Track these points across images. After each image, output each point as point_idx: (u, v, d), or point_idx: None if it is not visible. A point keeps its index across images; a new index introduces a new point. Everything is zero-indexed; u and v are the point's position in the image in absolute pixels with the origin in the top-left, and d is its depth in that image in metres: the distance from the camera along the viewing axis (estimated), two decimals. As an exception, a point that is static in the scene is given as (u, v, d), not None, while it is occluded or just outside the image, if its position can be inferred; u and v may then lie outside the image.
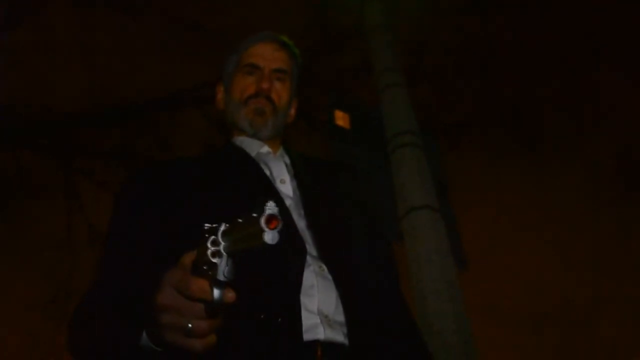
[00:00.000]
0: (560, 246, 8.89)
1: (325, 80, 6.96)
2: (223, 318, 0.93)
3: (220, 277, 0.85)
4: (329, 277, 1.24)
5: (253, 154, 1.56)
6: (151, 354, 1.01)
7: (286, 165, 1.54)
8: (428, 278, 2.79)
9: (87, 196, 7.13)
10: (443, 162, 3.99)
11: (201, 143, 6.90)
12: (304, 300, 1.17)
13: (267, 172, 1.48)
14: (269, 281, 1.18)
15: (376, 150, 3.60)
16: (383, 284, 1.37)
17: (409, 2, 5.11)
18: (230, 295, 0.86)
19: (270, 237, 0.78)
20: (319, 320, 1.15)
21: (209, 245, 0.84)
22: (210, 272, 0.86)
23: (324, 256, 1.28)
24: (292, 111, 1.77)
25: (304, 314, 1.15)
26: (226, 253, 0.84)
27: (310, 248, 1.28)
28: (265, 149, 1.58)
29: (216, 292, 0.86)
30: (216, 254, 0.84)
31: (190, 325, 0.90)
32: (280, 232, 0.79)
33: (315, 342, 1.13)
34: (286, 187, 1.45)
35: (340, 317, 1.19)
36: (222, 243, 0.84)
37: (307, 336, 1.13)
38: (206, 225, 0.86)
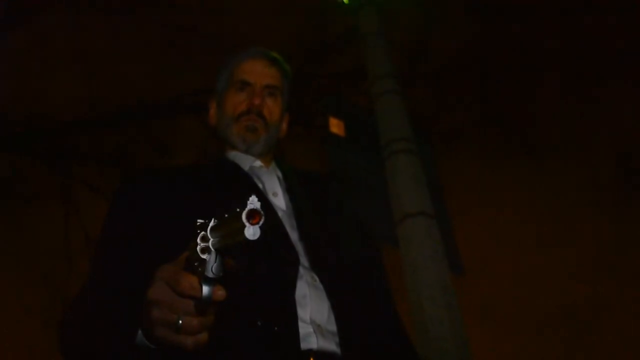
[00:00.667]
0: (559, 249, 8.90)
1: (320, 87, 6.98)
2: (215, 316, 0.92)
3: (209, 274, 0.83)
4: (321, 287, 1.26)
5: (246, 168, 1.58)
6: (147, 353, 1.01)
7: (278, 178, 1.57)
8: (423, 284, 2.79)
9: (83, 202, 7.11)
10: (439, 167, 4.01)
11: (198, 149, 6.90)
12: (297, 309, 1.20)
13: (260, 186, 1.50)
14: (264, 289, 1.20)
15: (371, 156, 3.61)
16: (374, 294, 1.41)
17: (404, 8, 5.13)
18: (220, 293, 0.86)
19: (251, 232, 0.76)
20: (312, 330, 1.18)
21: (198, 241, 0.83)
22: (200, 269, 0.84)
23: (316, 267, 1.30)
24: (284, 126, 1.78)
25: (298, 323, 1.17)
26: (214, 249, 0.82)
27: (303, 259, 1.31)
28: (258, 163, 1.60)
29: (205, 289, 0.85)
30: (205, 250, 0.82)
31: (180, 321, 0.89)
32: (262, 228, 0.77)
33: (309, 352, 1.15)
34: (279, 199, 1.48)
35: (333, 327, 1.21)
36: (211, 239, 0.82)
37: (301, 345, 1.15)
38: (198, 220, 0.85)
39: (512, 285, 8.63)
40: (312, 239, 1.37)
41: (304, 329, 1.17)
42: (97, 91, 7.18)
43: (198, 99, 7.16)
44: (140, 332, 1.00)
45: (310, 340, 1.16)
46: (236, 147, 1.63)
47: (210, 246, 0.82)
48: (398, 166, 3.31)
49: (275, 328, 1.14)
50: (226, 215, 0.81)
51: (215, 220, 0.83)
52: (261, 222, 0.77)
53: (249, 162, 1.60)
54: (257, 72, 1.68)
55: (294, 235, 1.36)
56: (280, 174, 1.60)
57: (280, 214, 1.41)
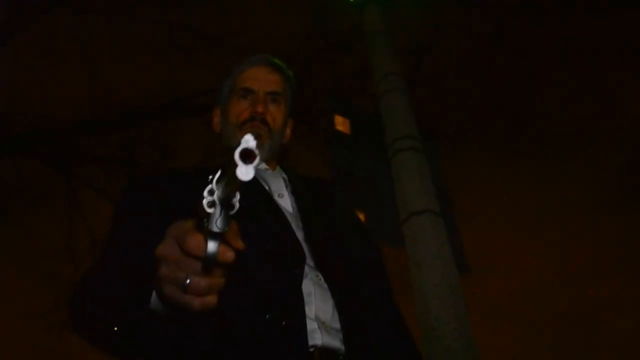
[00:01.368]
0: (563, 249, 8.89)
1: (324, 86, 6.97)
2: (225, 278, 0.90)
3: (213, 228, 0.80)
4: (326, 286, 1.29)
5: None
6: (161, 319, 1.00)
7: (284, 180, 1.60)
8: (430, 283, 2.77)
9: (87, 204, 7.12)
10: (444, 165, 3.98)
11: (202, 150, 6.88)
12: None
13: (266, 187, 1.52)
14: (273, 285, 1.24)
15: (377, 155, 3.59)
16: (376, 293, 1.43)
17: (408, 7, 5.11)
18: (229, 254, 0.84)
19: (243, 170, 0.70)
20: (316, 326, 1.20)
21: (205, 194, 0.79)
22: (206, 225, 0.81)
23: (321, 266, 1.33)
24: (288, 132, 1.80)
25: (305, 319, 1.20)
26: (219, 201, 0.79)
27: (308, 258, 1.33)
28: (263, 165, 1.62)
29: (210, 245, 0.82)
30: (212, 204, 0.79)
31: (188, 280, 0.88)
32: (256, 169, 0.72)
33: (314, 347, 1.17)
34: (284, 201, 1.50)
35: (337, 324, 1.24)
36: (216, 191, 0.79)
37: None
38: (210, 176, 0.81)
39: (520, 284, 8.63)
40: (317, 239, 1.39)
41: (309, 325, 1.20)
42: (100, 92, 7.19)
43: (202, 100, 7.16)
44: (154, 294, 0.99)
45: (315, 336, 1.19)
46: None
47: (216, 198, 0.79)
48: (404, 164, 3.29)
49: (283, 323, 1.16)
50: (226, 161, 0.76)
51: (220, 169, 0.79)
52: (256, 163, 0.71)
53: None
54: (260, 79, 1.70)
55: (299, 236, 1.38)
56: (285, 176, 1.62)
57: (286, 215, 1.43)
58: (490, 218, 8.27)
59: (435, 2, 6.17)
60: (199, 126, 7.26)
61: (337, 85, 7.12)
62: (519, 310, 8.80)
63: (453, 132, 7.10)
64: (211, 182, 0.80)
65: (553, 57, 7.86)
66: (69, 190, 7.17)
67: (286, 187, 1.57)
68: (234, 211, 0.81)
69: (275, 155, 1.69)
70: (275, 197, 1.49)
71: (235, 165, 0.71)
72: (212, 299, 0.90)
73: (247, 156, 0.71)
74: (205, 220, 0.81)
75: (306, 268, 1.30)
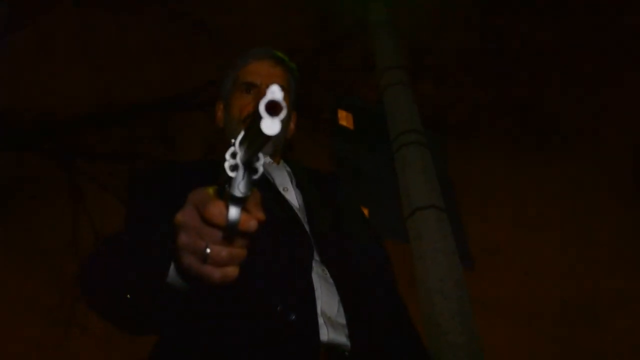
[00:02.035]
0: (573, 243, 8.85)
1: (328, 80, 6.94)
2: (247, 250, 0.85)
3: (235, 192, 0.75)
4: (331, 281, 1.28)
5: None
6: (176, 293, 0.97)
7: (288, 174, 1.59)
8: (434, 278, 2.75)
9: (92, 199, 7.13)
10: (450, 159, 3.95)
11: (206, 144, 6.89)
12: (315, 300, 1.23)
13: (271, 180, 1.52)
14: (284, 277, 1.23)
15: (380, 149, 3.56)
16: (381, 287, 1.42)
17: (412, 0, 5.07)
18: (252, 223, 0.79)
19: (269, 124, 0.65)
20: (323, 322, 1.20)
21: (227, 157, 0.74)
22: (228, 189, 0.76)
23: (326, 260, 1.31)
24: (292, 125, 1.80)
25: (316, 312, 1.20)
26: (242, 164, 0.75)
27: (314, 253, 1.33)
28: (268, 159, 1.61)
29: (232, 211, 0.77)
30: (234, 167, 0.75)
31: (208, 250, 0.84)
32: (279, 134, 0.66)
33: (319, 343, 1.16)
34: (289, 194, 1.49)
35: (342, 319, 1.23)
36: (239, 153, 0.74)
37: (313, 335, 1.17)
38: (232, 139, 0.77)
39: (525, 278, 8.60)
40: (322, 233, 1.38)
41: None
42: (104, 88, 7.19)
43: (205, 94, 7.15)
44: (172, 266, 0.96)
45: (321, 331, 1.18)
46: None
47: (239, 161, 0.75)
48: (408, 158, 3.26)
49: (293, 317, 1.15)
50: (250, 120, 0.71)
51: (244, 130, 0.75)
52: (282, 115, 0.65)
53: None
54: (263, 73, 1.69)
55: (306, 229, 1.38)
56: (289, 170, 1.62)
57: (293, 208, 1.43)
58: (495, 212, 8.26)
59: None
60: (202, 120, 7.27)
61: (341, 79, 7.10)
62: (525, 305, 8.78)
63: (461, 124, 7.08)
64: (234, 144, 0.76)
65: (564, 50, 7.80)
66: (73, 185, 7.18)
67: (291, 180, 1.56)
68: (257, 176, 0.76)
69: (280, 149, 1.69)
70: (281, 191, 1.48)
71: (260, 118, 0.65)
72: (233, 271, 0.85)
73: (273, 108, 0.65)
74: (227, 185, 0.77)
75: (312, 262, 1.29)
